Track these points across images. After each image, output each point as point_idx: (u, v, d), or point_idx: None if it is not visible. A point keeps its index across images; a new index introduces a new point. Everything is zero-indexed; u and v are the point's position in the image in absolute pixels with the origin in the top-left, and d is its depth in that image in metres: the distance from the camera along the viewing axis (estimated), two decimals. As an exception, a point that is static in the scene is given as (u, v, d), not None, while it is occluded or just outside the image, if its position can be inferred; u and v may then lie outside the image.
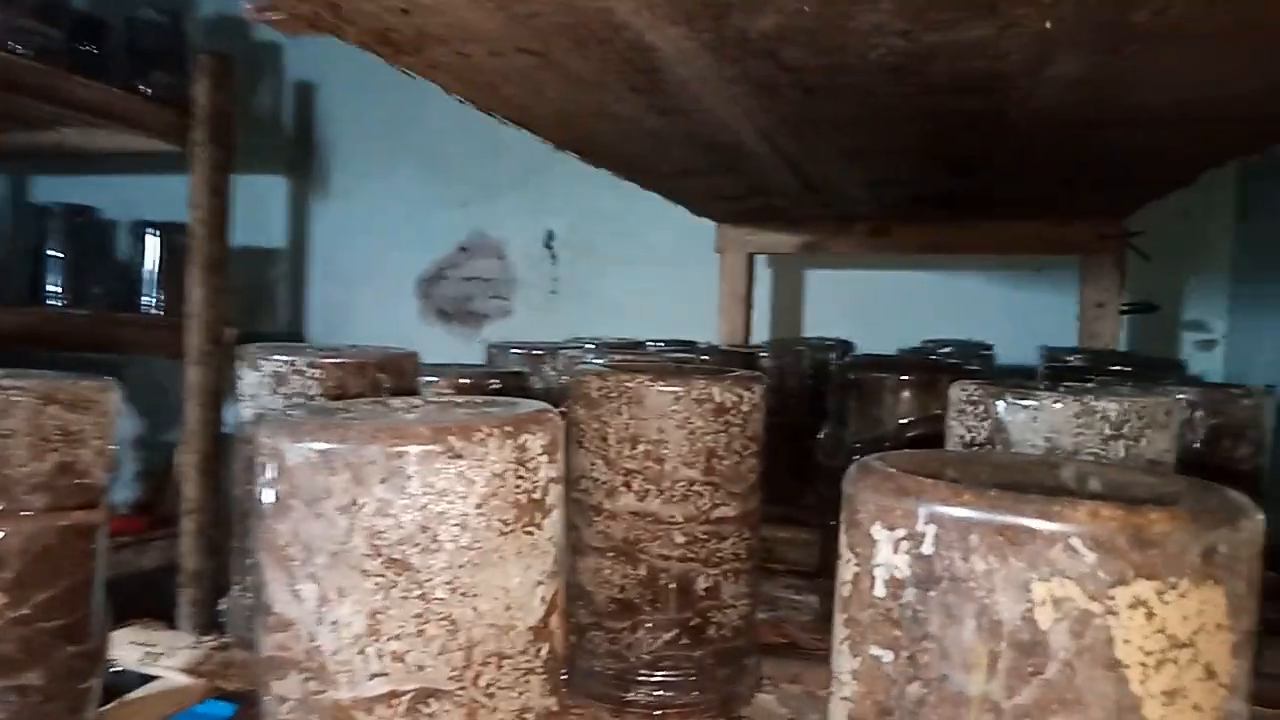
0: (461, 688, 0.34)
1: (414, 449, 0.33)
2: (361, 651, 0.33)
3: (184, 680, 0.59)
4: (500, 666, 0.35)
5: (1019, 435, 0.50)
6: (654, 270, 1.85)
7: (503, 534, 0.35)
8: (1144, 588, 0.24)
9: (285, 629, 0.34)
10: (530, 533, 0.36)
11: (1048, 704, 0.24)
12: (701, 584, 0.53)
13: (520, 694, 0.36)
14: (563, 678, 0.39)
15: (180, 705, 0.56)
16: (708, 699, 0.53)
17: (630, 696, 0.53)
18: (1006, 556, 0.25)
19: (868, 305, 1.76)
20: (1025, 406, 0.49)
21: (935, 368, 0.76)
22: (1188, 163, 0.98)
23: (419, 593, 0.33)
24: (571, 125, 0.88)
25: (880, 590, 0.28)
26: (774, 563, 0.88)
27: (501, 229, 1.95)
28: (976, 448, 0.52)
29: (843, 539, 0.30)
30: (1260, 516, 0.26)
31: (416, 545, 0.33)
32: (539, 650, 0.36)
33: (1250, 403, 0.66)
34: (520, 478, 0.35)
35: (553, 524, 0.37)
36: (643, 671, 0.53)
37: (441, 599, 0.33)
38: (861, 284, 1.80)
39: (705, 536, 0.53)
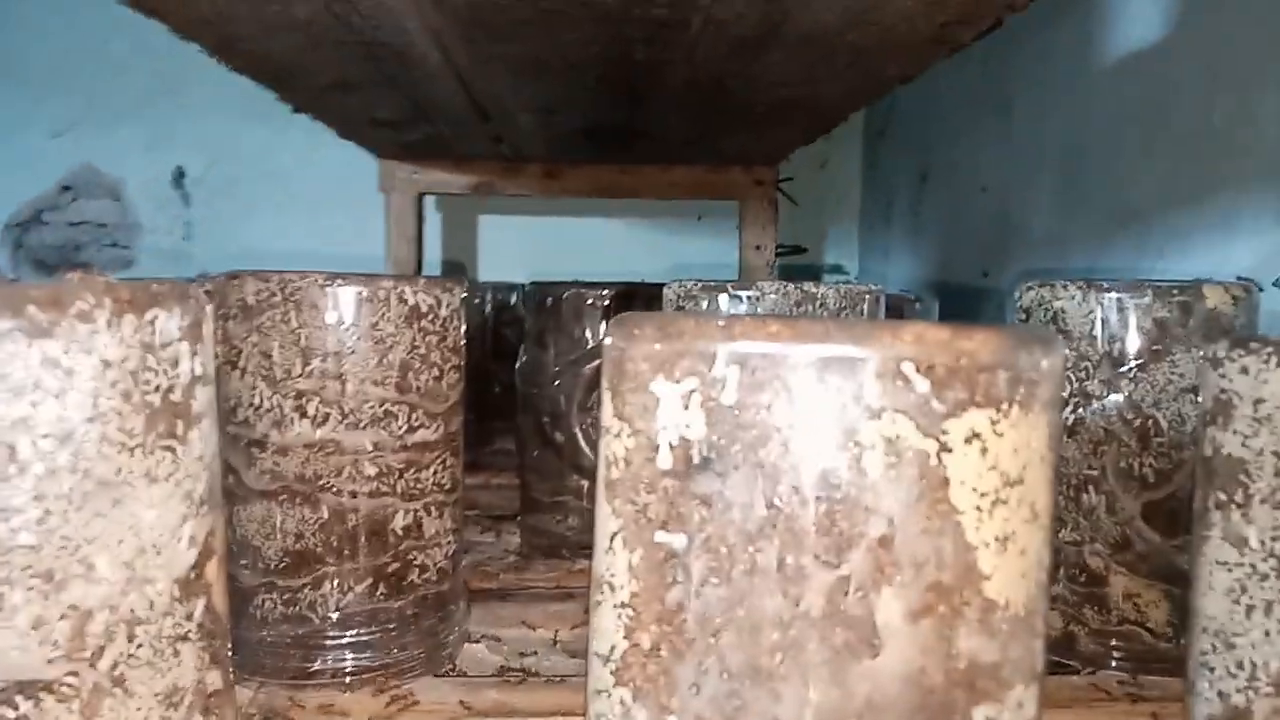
0: (72, 673, 0.23)
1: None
2: (-109, 641, 0.21)
3: None
4: (132, 637, 0.25)
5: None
6: (309, 214, 1.67)
7: (126, 450, 0.24)
8: (978, 418, 0.20)
9: None
10: (170, 449, 0.25)
11: (880, 569, 0.20)
12: (399, 522, 0.44)
13: (165, 672, 0.25)
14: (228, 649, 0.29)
15: None
16: (411, 656, 0.45)
17: (316, 666, 0.43)
18: (827, 394, 0.20)
19: (540, 252, 1.73)
20: (747, 298, 0.46)
21: (635, 285, 0.72)
22: (847, 93, 1.03)
23: (-12, 541, 0.22)
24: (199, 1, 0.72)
25: (666, 460, 0.22)
26: (465, 509, 0.81)
27: (117, 164, 1.66)
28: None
29: (606, 412, 0.24)
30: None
31: None
32: (190, 610, 0.26)
33: (921, 307, 0.70)
34: (150, 370, 0.25)
35: (203, 439, 0.27)
36: (331, 634, 0.43)
37: (30, 547, 0.23)
38: (533, 230, 1.76)
39: (402, 466, 0.44)
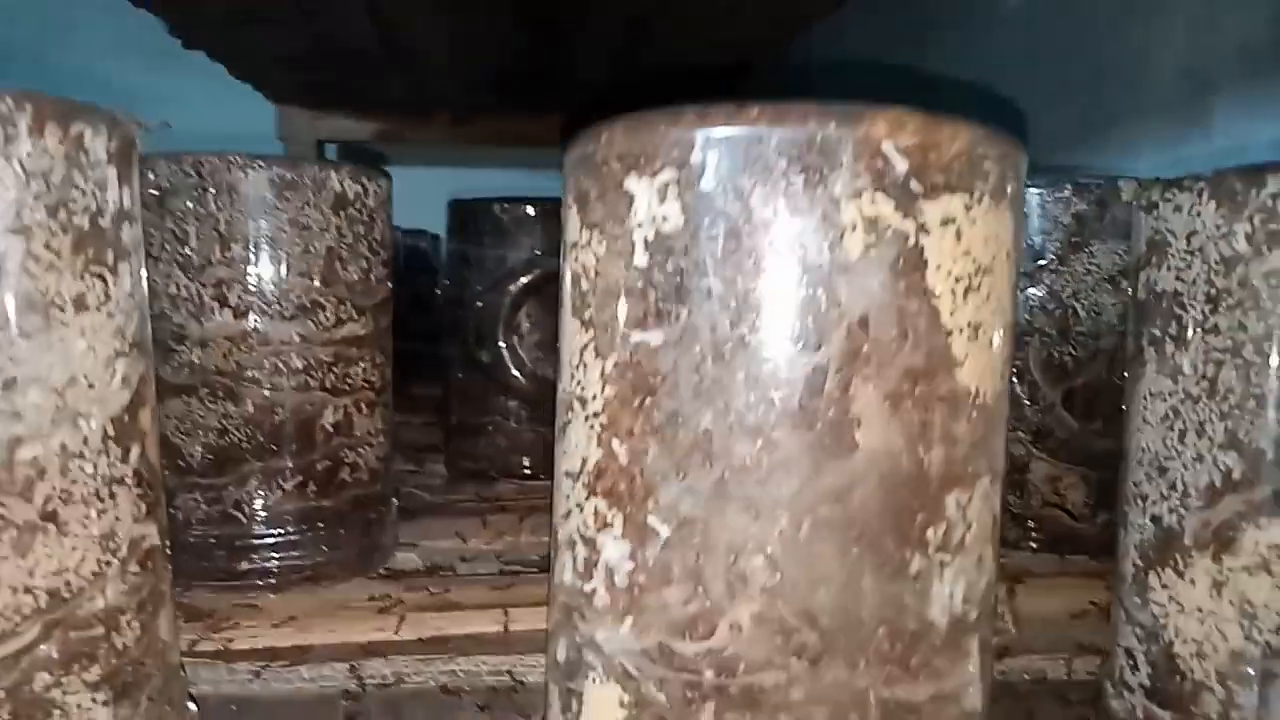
0: (1, 505, 0.22)
1: None
2: None
3: None
4: (65, 471, 0.23)
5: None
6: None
7: (54, 270, 0.22)
8: (954, 202, 0.20)
9: None
10: (100, 278, 0.24)
11: (857, 351, 0.20)
12: (329, 418, 0.43)
13: (101, 514, 0.24)
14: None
15: None
16: (344, 556, 0.44)
17: (243, 567, 0.41)
18: (808, 176, 0.20)
19: (444, 206, 1.69)
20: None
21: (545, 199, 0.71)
22: (765, 34, 1.04)
23: (-97, 355, 0.20)
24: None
25: (642, 259, 0.21)
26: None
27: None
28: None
29: (573, 223, 0.23)
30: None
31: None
32: (124, 453, 0.25)
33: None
34: (78, 188, 0.23)
35: (132, 277, 0.25)
36: (257, 534, 0.41)
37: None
38: (441, 182, 1.72)
39: (330, 360, 0.43)
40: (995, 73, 1.05)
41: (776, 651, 0.21)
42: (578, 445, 0.23)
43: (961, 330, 0.21)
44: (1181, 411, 0.29)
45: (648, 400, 0.21)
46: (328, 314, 0.42)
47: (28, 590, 0.22)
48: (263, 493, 0.41)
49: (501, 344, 0.63)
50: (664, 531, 0.21)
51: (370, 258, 0.44)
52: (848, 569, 0.21)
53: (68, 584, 0.23)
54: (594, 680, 0.23)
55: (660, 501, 0.21)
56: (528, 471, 0.66)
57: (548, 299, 0.64)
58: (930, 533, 0.21)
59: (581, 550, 0.23)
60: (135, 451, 0.25)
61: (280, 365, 0.41)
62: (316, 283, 0.42)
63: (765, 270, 0.20)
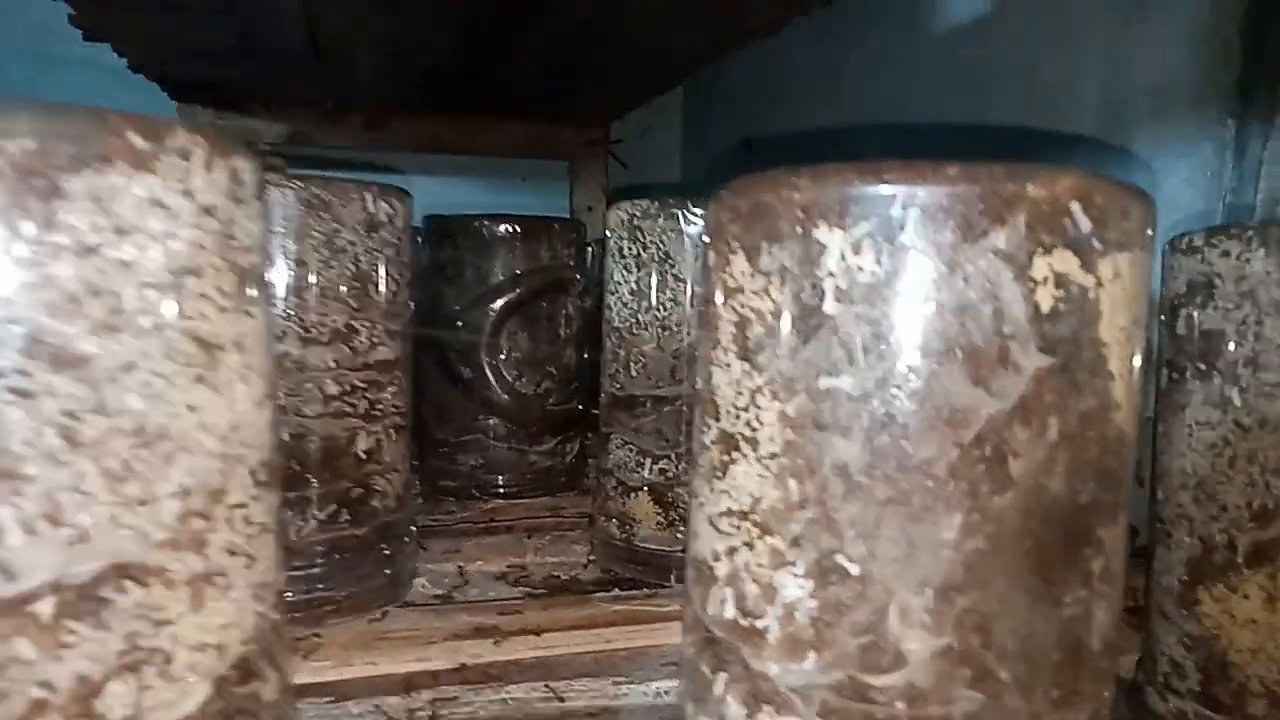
0: (178, 559, 0.20)
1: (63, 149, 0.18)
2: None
3: None
4: (230, 521, 0.22)
5: (695, 246, 0.47)
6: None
7: (221, 310, 0.21)
8: (1122, 258, 0.22)
9: None
10: (251, 315, 0.23)
11: (1041, 396, 0.22)
12: (362, 445, 0.42)
13: (253, 564, 0.23)
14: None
15: None
16: (373, 586, 0.43)
17: (276, 602, 0.40)
18: (1005, 233, 0.21)
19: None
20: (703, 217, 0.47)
21: (541, 218, 0.71)
22: (704, 46, 1.05)
23: (92, 401, 0.19)
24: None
25: (832, 307, 0.22)
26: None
27: None
28: (643, 271, 0.48)
29: (739, 268, 0.24)
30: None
31: (82, 319, 0.19)
32: (270, 499, 0.24)
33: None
34: (238, 224, 0.22)
35: (265, 315, 0.24)
36: (295, 565, 0.40)
37: (138, 412, 0.20)
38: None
39: (363, 385, 0.41)
40: (910, 101, 1.11)
41: (965, 682, 0.22)
42: (747, 485, 0.24)
43: (1121, 376, 0.23)
44: (1231, 440, 0.32)
45: (832, 443, 0.22)
46: (361, 339, 0.41)
47: (202, 647, 0.21)
48: (297, 523, 0.40)
49: (485, 361, 0.62)
50: (850, 569, 0.22)
51: (399, 279, 0.43)
52: (1026, 601, 0.22)
53: (232, 638, 0.22)
54: (770, 714, 0.23)
55: (845, 540, 0.22)
56: (505, 490, 0.65)
57: (528, 317, 0.64)
58: (1093, 565, 0.23)
59: (751, 588, 0.24)
60: (274, 496, 0.24)
61: (315, 391, 0.40)
62: (351, 306, 0.41)
63: (957, 320, 0.21)
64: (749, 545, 0.24)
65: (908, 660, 0.22)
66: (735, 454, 0.24)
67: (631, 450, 0.49)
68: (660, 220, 0.48)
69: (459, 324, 0.63)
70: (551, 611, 0.45)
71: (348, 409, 0.41)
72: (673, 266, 0.47)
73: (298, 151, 1.58)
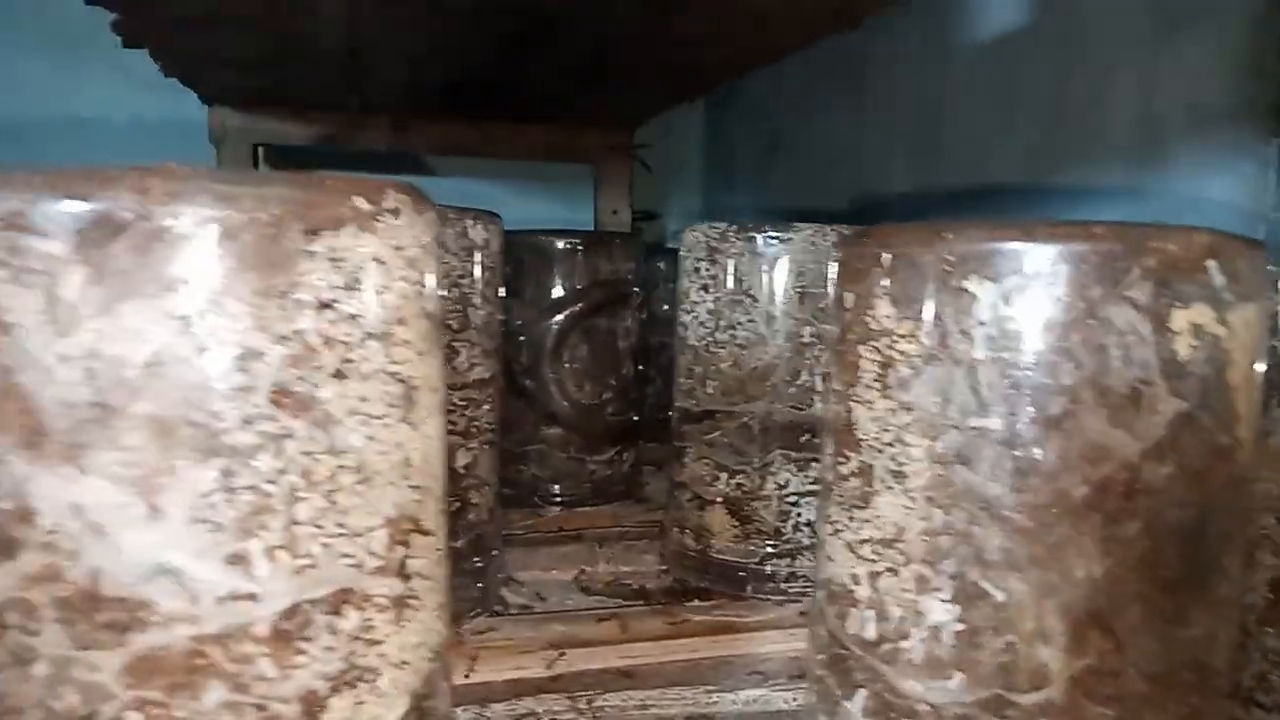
0: (387, 583, 0.22)
1: (230, 214, 0.20)
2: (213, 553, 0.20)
3: None
4: (424, 550, 0.24)
5: (770, 272, 0.49)
6: (113, 159, 1.51)
7: (420, 355, 0.23)
8: (1249, 309, 0.24)
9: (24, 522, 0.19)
10: (435, 356, 0.24)
11: (1179, 437, 0.23)
12: (461, 461, 0.43)
13: (438, 589, 0.25)
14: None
15: None
16: (469, 596, 0.44)
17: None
18: (1150, 288, 0.23)
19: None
20: (782, 239, 0.49)
21: (603, 234, 0.72)
22: (736, 59, 1.07)
23: (325, 442, 0.21)
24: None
25: (981, 353, 0.24)
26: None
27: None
28: (720, 292, 0.50)
29: (884, 311, 0.26)
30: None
31: (319, 369, 0.20)
32: (446, 528, 0.25)
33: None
34: (427, 273, 0.24)
35: (442, 354, 0.26)
36: (401, 577, 0.42)
37: (355, 450, 0.21)
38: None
39: (464, 404, 0.43)
40: (938, 112, 1.12)
41: (1107, 701, 0.24)
42: (892, 515, 0.26)
43: (1246, 416, 0.24)
44: (1315, 466, 0.33)
45: (979, 478, 0.24)
46: (461, 359, 0.43)
47: (401, 664, 0.23)
48: (403, 537, 0.42)
49: (548, 374, 0.64)
50: (995, 594, 0.24)
51: (493, 301, 0.45)
52: (1158, 624, 0.24)
53: (423, 655, 0.24)
54: (915, 728, 0.25)
55: (989, 568, 0.24)
56: (564, 499, 0.67)
57: (589, 330, 0.65)
58: (1218, 591, 0.25)
59: (895, 610, 0.26)
60: (447, 526, 0.26)
61: (420, 410, 0.41)
62: (453, 328, 0.42)
63: (1101, 367, 0.23)
64: (894, 571, 0.26)
65: (1049, 680, 0.24)
66: (879, 485, 0.26)
67: (707, 464, 0.50)
68: (737, 244, 0.49)
69: (521, 338, 0.65)
70: (635, 621, 0.47)
71: (450, 427, 0.42)
72: (748, 289, 0.49)
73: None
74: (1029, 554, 0.24)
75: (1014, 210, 1.00)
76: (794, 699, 0.42)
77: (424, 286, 0.24)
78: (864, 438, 0.26)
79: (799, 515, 0.49)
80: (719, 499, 0.50)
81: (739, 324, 0.49)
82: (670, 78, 1.16)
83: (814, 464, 0.49)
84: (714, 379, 0.50)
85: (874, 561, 0.26)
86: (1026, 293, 0.23)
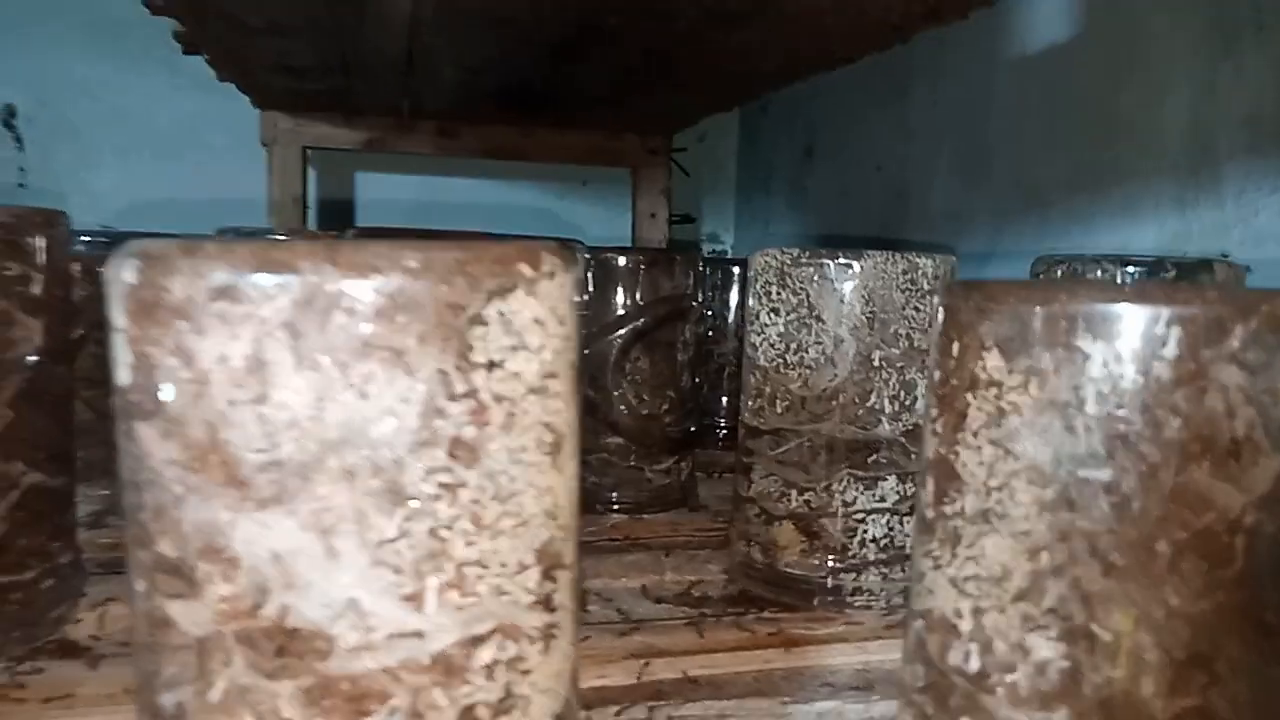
0: (541, 617, 0.24)
1: (480, 279, 0.22)
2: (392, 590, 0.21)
3: None
4: (567, 585, 0.25)
5: (839, 296, 0.51)
6: (162, 160, 1.54)
7: (568, 405, 0.25)
8: (1348, 368, 0.25)
9: (230, 568, 0.21)
10: (576, 402, 0.26)
11: (1274, 488, 0.25)
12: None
13: (572, 623, 0.26)
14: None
15: None
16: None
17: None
18: (1256, 347, 0.24)
19: (422, 213, 1.68)
20: (852, 266, 0.50)
21: (663, 251, 0.74)
22: (785, 70, 1.08)
23: (491, 490, 0.22)
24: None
25: (1093, 408, 0.25)
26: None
27: (-67, 97, 1.46)
28: (790, 315, 0.51)
29: (994, 363, 0.27)
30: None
31: (489, 424, 0.22)
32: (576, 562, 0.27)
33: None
34: (563, 324, 0.25)
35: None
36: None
37: (512, 495, 0.23)
38: (414, 189, 1.71)
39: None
40: (983, 122, 1.13)
41: (1206, 735, 0.25)
42: (998, 556, 0.27)
43: (1341, 469, 0.26)
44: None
45: (1087, 525, 0.25)
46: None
47: (547, 691, 0.25)
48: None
49: (612, 388, 0.66)
50: (1100, 635, 0.26)
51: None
52: (1258, 664, 0.25)
53: (564, 683, 0.25)
54: (1019, 756, 0.27)
55: (1095, 609, 0.26)
56: (622, 506, 0.69)
57: (649, 343, 0.67)
58: (1312, 633, 0.26)
59: (1000, 645, 0.27)
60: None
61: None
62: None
63: (1209, 424, 0.24)
64: (1000, 610, 0.27)
65: (1151, 718, 0.25)
66: (985, 526, 0.27)
67: (775, 481, 0.52)
68: (808, 269, 0.51)
69: (585, 350, 0.67)
70: (708, 631, 0.49)
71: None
72: (818, 313, 0.51)
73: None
74: (1132, 596, 0.25)
75: (1058, 222, 1.01)
76: (865, 711, 0.43)
77: (572, 340, 0.25)
78: (969, 480, 0.28)
79: (865, 532, 0.51)
80: (787, 515, 0.52)
81: (808, 346, 0.51)
82: (717, 85, 1.17)
83: (880, 482, 0.51)
84: (783, 399, 0.52)
85: (978, 598, 0.28)
86: (1138, 352, 0.25)
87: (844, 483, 0.51)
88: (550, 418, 0.24)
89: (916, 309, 0.51)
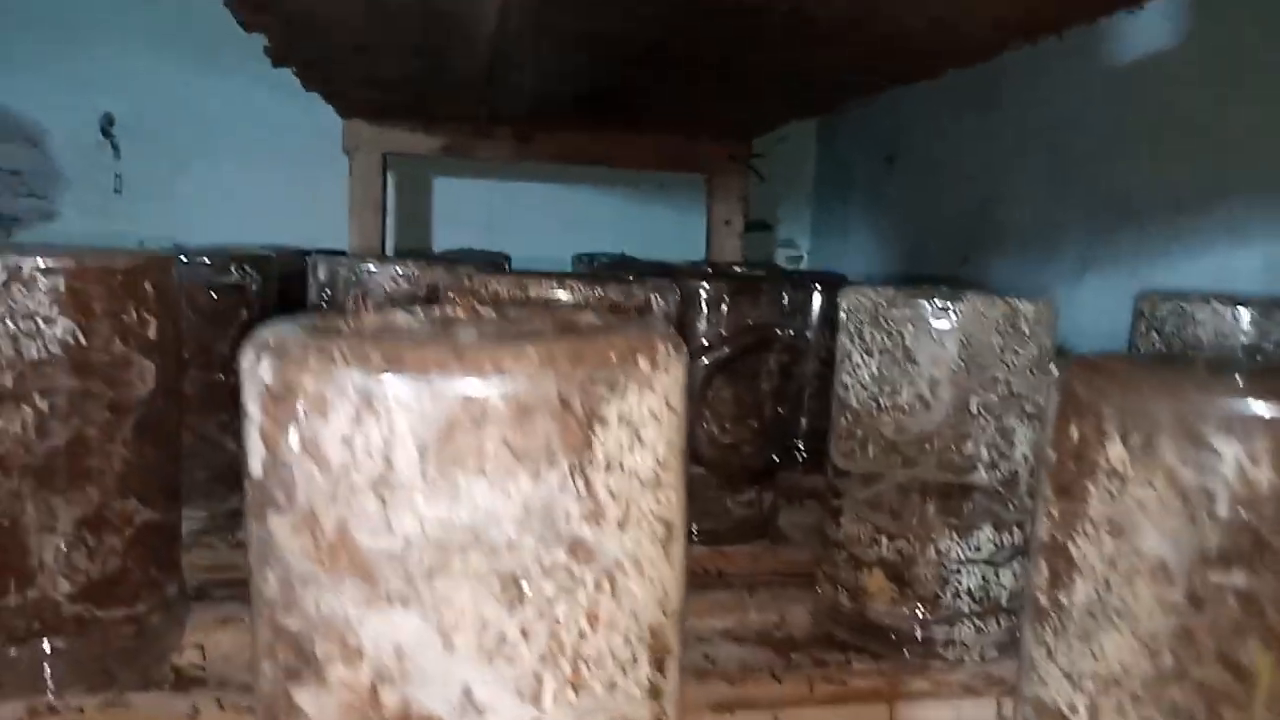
0: (645, 705, 0.24)
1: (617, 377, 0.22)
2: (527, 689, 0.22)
3: None
4: (674, 670, 0.25)
5: (936, 339, 0.50)
6: (253, 170, 1.58)
7: (675, 491, 0.25)
8: None
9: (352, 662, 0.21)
10: (682, 490, 0.26)
11: None
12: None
13: (676, 696, 0.26)
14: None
15: None
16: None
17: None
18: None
19: (498, 218, 1.70)
20: (949, 308, 0.49)
21: (747, 277, 0.74)
22: (868, 82, 1.06)
23: (607, 588, 0.22)
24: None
25: (1224, 509, 0.24)
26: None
27: (35, 108, 1.52)
28: (884, 355, 0.51)
29: (1115, 455, 0.26)
30: None
31: (607, 521, 0.22)
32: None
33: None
34: (675, 413, 0.25)
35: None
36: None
37: (634, 591, 0.23)
38: (490, 195, 1.73)
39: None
40: (1077, 135, 1.09)
41: None
42: (1118, 654, 0.26)
43: None
44: None
45: (1218, 626, 0.25)
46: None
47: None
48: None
49: (694, 418, 0.66)
50: (1228, 743, 0.25)
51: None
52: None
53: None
54: None
55: (1221, 713, 0.25)
56: (701, 537, 0.69)
57: (733, 372, 0.67)
58: None
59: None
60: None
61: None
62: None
63: (1360, 535, 0.23)
64: (1121, 713, 0.26)
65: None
66: (1104, 622, 0.27)
67: (866, 526, 0.51)
68: (904, 311, 0.50)
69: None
70: (793, 681, 0.48)
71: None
72: (913, 355, 0.50)
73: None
74: (1260, 702, 0.24)
75: (1157, 241, 0.97)
76: (956, 770, 0.43)
77: (682, 427, 0.25)
78: (1087, 572, 0.27)
79: (959, 583, 0.50)
80: (876, 561, 0.51)
81: (902, 389, 0.50)
82: (799, 96, 1.16)
83: (976, 532, 0.50)
84: (875, 443, 0.51)
85: (1094, 695, 0.27)
86: (1273, 452, 0.24)
87: (937, 531, 0.50)
88: (662, 510, 0.24)
89: (1016, 352, 0.49)
